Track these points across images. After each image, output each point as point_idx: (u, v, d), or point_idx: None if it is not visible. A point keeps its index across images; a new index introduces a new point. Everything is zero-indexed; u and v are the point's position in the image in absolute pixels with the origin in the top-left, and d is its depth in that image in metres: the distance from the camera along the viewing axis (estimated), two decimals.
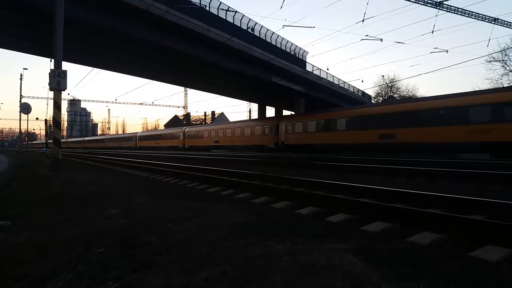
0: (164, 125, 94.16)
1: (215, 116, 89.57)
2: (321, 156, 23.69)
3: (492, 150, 18.99)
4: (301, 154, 27.21)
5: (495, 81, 40.67)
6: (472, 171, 9.42)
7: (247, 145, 37.90)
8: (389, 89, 59.17)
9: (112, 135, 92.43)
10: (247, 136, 38.01)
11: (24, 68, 54.19)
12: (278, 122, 34.58)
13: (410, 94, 55.78)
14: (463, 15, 31.21)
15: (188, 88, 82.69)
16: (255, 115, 61.54)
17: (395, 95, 57.87)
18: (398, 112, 23.70)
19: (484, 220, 3.97)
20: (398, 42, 35.02)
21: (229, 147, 40.44)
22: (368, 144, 25.25)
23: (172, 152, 36.77)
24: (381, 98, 59.39)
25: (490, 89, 22.80)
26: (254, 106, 65.89)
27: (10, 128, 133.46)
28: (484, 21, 31.76)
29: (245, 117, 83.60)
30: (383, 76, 59.88)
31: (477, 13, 31.24)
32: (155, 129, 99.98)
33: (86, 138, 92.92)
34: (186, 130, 50.57)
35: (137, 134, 65.91)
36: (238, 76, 34.06)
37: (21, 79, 43.91)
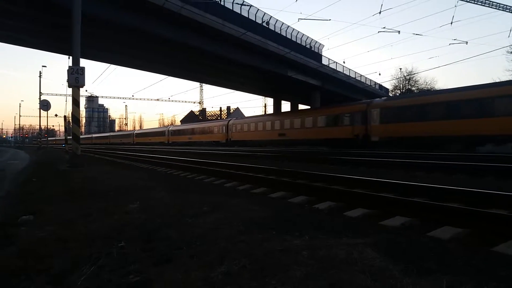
0: (180, 121, 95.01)
1: (231, 111, 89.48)
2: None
3: (327, 144, 29.37)
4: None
5: None
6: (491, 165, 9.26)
7: (209, 141, 46.31)
8: (406, 82, 58.20)
9: (114, 132, 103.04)
10: (209, 134, 47.36)
11: (43, 66, 54.84)
12: (228, 123, 44.15)
13: (429, 86, 54.72)
14: (483, 5, 30.55)
15: (203, 84, 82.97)
16: (270, 110, 62.06)
17: (413, 88, 56.84)
18: (286, 119, 35.39)
19: (506, 214, 3.88)
20: (416, 34, 34.64)
21: (198, 143, 48.16)
22: (273, 140, 35.75)
23: (181, 148, 39.17)
24: (398, 91, 58.47)
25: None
26: (270, 101, 65.95)
27: (31, 125, 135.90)
28: (504, 11, 31.02)
29: (260, 111, 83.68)
30: (400, 69, 58.71)
31: (497, 3, 30.56)
32: (172, 124, 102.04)
33: (94, 135, 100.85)
34: (170, 129, 60.42)
35: (134, 132, 77.55)
36: (253, 70, 34.02)
37: (40, 76, 44.57)
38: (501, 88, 19.72)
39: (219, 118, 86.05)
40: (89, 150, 33.50)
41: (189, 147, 41.08)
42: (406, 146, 22.33)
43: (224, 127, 44.54)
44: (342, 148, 25.89)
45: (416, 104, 23.51)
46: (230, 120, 46.20)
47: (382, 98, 29.40)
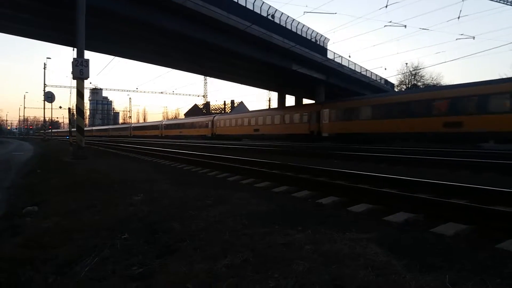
0: (184, 114, 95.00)
1: (235, 105, 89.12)
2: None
3: (290, 138, 32.67)
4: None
5: None
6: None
7: (197, 135, 49.27)
8: (412, 77, 57.72)
9: (113, 125, 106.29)
10: (197, 128, 50.78)
11: (47, 58, 55.17)
12: (213, 119, 47.90)
13: (435, 82, 54.32)
14: (491, 0, 30.13)
15: (207, 77, 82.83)
16: (274, 104, 62.10)
17: (419, 83, 56.40)
18: (259, 116, 39.39)
19: (510, 211, 3.86)
20: (423, 29, 34.34)
21: (188, 136, 50.75)
22: (248, 135, 39.64)
23: (178, 141, 40.49)
24: (404, 86, 58.04)
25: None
26: (274, 95, 65.93)
27: (35, 117, 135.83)
28: None
29: (265, 105, 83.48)
30: (406, 63, 58.27)
31: None
32: (175, 118, 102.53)
33: (94, 128, 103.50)
34: (163, 123, 63.86)
35: (131, 125, 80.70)
36: (257, 64, 33.83)
37: (44, 68, 44.72)
38: (415, 95, 24.41)
39: (222, 111, 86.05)
40: (91, 142, 33.70)
41: (188, 140, 41.91)
42: (345, 140, 26.59)
43: (210, 122, 48.14)
44: (301, 142, 29.52)
45: (352, 106, 28.17)
46: (215, 116, 49.95)
47: (333, 100, 34.15)
